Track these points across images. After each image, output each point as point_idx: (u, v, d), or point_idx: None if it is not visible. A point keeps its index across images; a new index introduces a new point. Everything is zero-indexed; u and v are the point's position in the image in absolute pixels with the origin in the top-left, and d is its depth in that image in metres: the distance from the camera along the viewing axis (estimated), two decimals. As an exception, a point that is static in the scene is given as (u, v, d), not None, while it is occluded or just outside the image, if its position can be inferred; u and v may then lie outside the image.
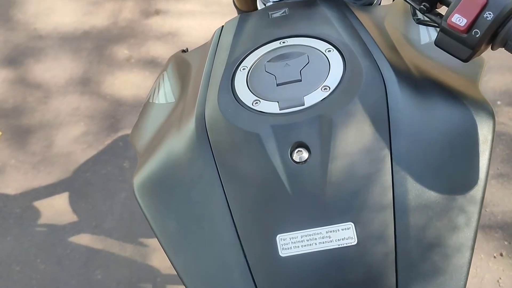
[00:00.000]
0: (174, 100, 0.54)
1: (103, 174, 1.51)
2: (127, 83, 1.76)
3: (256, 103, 0.44)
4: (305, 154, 0.40)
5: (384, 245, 0.37)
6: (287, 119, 0.41)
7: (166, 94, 0.57)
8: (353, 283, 0.36)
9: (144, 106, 0.59)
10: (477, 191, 0.39)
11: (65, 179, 1.52)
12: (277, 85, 0.45)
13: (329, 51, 0.47)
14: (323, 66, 0.45)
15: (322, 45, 0.48)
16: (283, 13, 0.55)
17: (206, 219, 0.41)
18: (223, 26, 0.59)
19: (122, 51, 1.87)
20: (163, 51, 1.84)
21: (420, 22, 0.48)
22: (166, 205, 0.43)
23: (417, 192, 0.38)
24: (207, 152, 0.42)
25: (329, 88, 0.43)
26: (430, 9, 0.45)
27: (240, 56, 0.49)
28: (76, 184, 1.49)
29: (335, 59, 0.45)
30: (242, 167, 0.41)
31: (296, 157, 0.40)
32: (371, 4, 0.64)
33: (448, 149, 0.40)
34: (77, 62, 1.85)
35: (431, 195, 0.38)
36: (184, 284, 0.41)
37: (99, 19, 1.98)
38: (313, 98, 0.43)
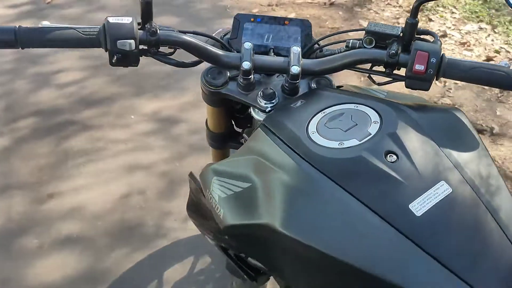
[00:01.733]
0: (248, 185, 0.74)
1: None
2: (50, 269, 1.77)
3: (341, 144, 0.67)
4: (394, 157, 0.64)
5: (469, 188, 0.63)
6: (371, 141, 0.66)
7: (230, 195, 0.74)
8: (466, 216, 0.66)
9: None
10: None
11: None
12: (345, 131, 0.70)
13: (356, 107, 0.74)
14: (362, 114, 0.72)
15: (351, 105, 0.75)
16: (301, 102, 0.80)
17: (355, 220, 0.63)
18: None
19: (31, 242, 1.87)
20: (72, 226, 1.92)
21: (379, 84, 0.86)
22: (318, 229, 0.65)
23: None
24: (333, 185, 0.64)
25: (378, 122, 0.70)
26: (391, 72, 0.83)
27: (304, 125, 0.72)
28: None
29: (365, 110, 0.73)
30: (363, 179, 0.64)
31: (389, 159, 0.63)
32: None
33: None
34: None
35: None
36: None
37: (-10, 221, 1.95)
38: (372, 130, 0.68)
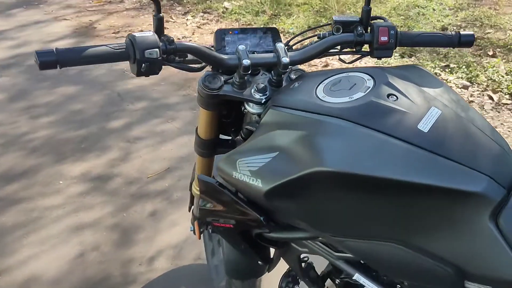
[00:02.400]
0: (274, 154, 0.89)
1: None
2: None
3: (350, 98, 0.84)
4: (394, 97, 0.83)
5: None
6: (373, 91, 0.85)
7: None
8: (457, 126, 0.81)
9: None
10: None
11: None
12: (349, 90, 0.87)
13: (348, 74, 0.91)
14: (356, 78, 0.90)
15: (343, 74, 0.92)
16: (298, 83, 0.95)
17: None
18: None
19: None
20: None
21: (349, 62, 1.07)
22: None
23: None
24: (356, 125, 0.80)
25: (372, 79, 0.88)
26: (360, 50, 1.06)
27: (312, 94, 0.89)
28: None
29: (357, 75, 0.91)
30: (379, 115, 0.81)
31: (391, 99, 0.83)
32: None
33: None
34: None
35: None
36: None
37: None
38: (370, 84, 0.86)
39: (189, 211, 1.72)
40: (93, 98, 3.40)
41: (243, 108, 1.08)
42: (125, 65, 4.10)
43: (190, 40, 4.42)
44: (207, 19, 5.06)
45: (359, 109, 0.83)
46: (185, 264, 1.94)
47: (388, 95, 0.84)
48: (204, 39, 4.47)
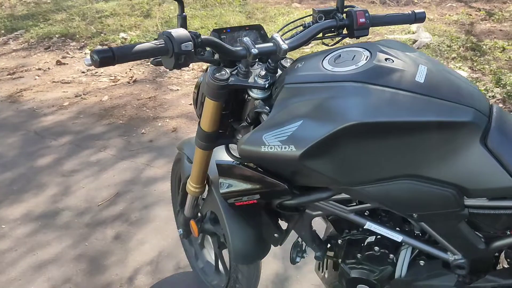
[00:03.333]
0: None
1: None
2: None
3: (356, 65, 1.01)
4: (391, 60, 1.00)
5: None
6: (373, 57, 1.02)
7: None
8: (442, 75, 1.02)
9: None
10: None
11: None
12: (352, 60, 1.04)
13: (345, 49, 1.09)
14: (354, 51, 1.07)
15: (341, 50, 1.08)
16: (300, 63, 1.12)
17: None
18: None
19: None
20: None
21: (332, 45, 1.27)
22: None
23: None
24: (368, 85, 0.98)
25: (368, 50, 1.06)
26: (341, 33, 1.27)
27: (320, 68, 1.06)
28: None
29: (353, 49, 1.11)
30: (384, 75, 0.99)
31: (389, 62, 1.01)
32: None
33: None
34: None
35: None
36: None
37: None
38: (367, 54, 1.04)
39: (176, 215, 1.77)
40: (7, 140, 3.21)
41: (246, 96, 1.22)
42: (35, 103, 3.93)
43: (101, 73, 4.36)
44: (107, 51, 5.01)
45: (368, 72, 1.01)
46: (168, 276, 1.96)
47: (386, 59, 1.04)
48: (111, 70, 4.44)
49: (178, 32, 0.99)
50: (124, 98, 3.80)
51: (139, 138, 3.14)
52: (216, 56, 1.15)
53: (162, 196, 2.48)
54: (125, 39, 5.19)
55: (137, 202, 2.45)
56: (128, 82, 4.11)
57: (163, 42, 0.97)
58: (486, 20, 5.07)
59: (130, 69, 4.41)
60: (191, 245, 1.90)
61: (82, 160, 2.91)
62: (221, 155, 1.46)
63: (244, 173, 1.17)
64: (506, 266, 1.19)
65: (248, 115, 1.21)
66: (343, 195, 1.14)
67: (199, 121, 1.28)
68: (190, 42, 0.99)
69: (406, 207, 1.07)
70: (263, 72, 1.15)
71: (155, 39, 0.98)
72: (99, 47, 5.12)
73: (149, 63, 4.53)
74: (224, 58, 1.14)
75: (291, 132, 1.03)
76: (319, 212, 1.22)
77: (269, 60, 1.18)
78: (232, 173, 1.19)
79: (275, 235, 1.33)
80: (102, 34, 5.39)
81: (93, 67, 0.93)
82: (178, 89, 3.90)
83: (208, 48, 1.09)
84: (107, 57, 0.89)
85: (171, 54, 0.98)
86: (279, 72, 1.19)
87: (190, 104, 3.56)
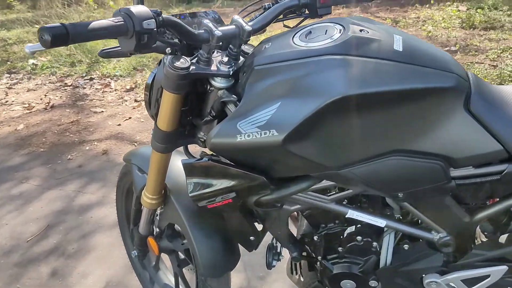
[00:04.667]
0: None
1: None
2: None
3: (331, 38, 0.95)
4: (365, 31, 0.96)
5: None
6: (348, 30, 0.96)
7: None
8: (417, 43, 0.98)
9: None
10: None
11: None
12: (325, 34, 0.97)
13: (313, 26, 0.99)
14: (325, 26, 1.01)
15: (310, 27, 1.02)
16: (267, 44, 1.02)
17: None
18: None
19: None
20: None
21: (294, 27, 1.20)
22: None
23: None
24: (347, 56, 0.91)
25: (339, 24, 0.98)
26: (304, 12, 1.21)
27: (291, 45, 0.97)
28: None
29: (323, 24, 1.01)
30: (362, 45, 0.93)
31: (364, 32, 0.95)
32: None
33: None
34: None
35: None
36: None
37: None
38: (339, 27, 0.97)
39: (127, 237, 1.60)
40: None
41: (208, 87, 1.11)
42: None
43: (12, 102, 3.99)
44: (16, 79, 4.63)
45: (346, 44, 0.94)
46: (120, 306, 1.76)
47: (361, 30, 0.98)
48: (23, 98, 4.08)
49: (138, 8, 0.86)
50: (42, 125, 3.49)
51: (66, 164, 2.87)
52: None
53: (100, 223, 2.26)
54: (36, 65, 4.83)
55: (73, 232, 2.20)
56: (45, 108, 3.79)
57: (122, 20, 0.85)
58: (394, 26, 5.40)
59: (46, 95, 4.09)
60: (145, 268, 1.72)
61: (2, 194, 2.59)
62: (175, 161, 1.33)
63: (217, 169, 1.06)
64: (484, 239, 1.18)
65: (212, 107, 1.08)
66: (323, 183, 1.07)
67: (156, 121, 1.15)
68: (153, 20, 0.87)
69: (393, 186, 1.02)
70: (225, 59, 1.05)
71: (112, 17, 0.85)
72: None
73: (66, 88, 4.24)
74: (185, 42, 1.02)
75: (270, 115, 0.93)
76: (297, 206, 1.13)
77: (230, 46, 1.07)
78: (203, 172, 1.07)
79: (251, 238, 1.22)
80: (8, 62, 4.98)
81: (36, 54, 0.77)
82: (102, 111, 3.65)
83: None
84: (60, 35, 0.75)
85: (132, 33, 0.85)
86: (242, 59, 1.10)
87: (119, 125, 3.35)
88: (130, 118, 3.46)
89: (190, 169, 1.08)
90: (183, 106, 1.12)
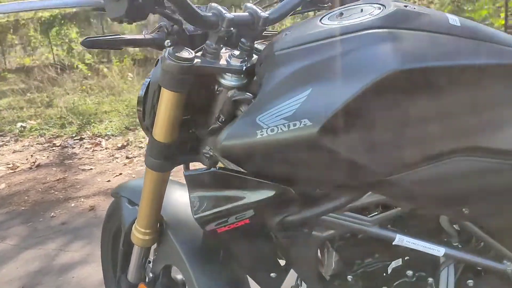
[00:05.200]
0: None
1: None
2: None
3: (370, 14, 0.77)
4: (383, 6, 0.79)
5: None
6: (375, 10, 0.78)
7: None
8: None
9: None
10: None
11: None
12: (361, 12, 0.80)
13: (341, 9, 0.82)
14: (352, 9, 0.81)
15: (339, 10, 0.82)
16: (286, 33, 0.85)
17: None
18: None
19: None
20: None
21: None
22: None
23: None
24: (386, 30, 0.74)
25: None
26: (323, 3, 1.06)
27: (321, 27, 0.79)
28: None
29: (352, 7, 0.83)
30: (400, 20, 0.75)
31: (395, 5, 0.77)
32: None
33: None
34: None
35: None
36: None
37: None
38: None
39: (117, 283, 1.33)
40: None
41: (216, 88, 0.91)
42: None
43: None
44: (3, 141, 4.44)
45: (392, 16, 0.76)
46: None
47: (405, 6, 0.79)
48: (8, 159, 3.87)
49: None
50: (25, 183, 3.24)
51: (48, 222, 2.60)
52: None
53: (83, 283, 1.96)
54: (24, 127, 4.67)
55: (51, 294, 1.91)
56: (30, 168, 3.57)
57: None
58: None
59: (32, 155, 3.88)
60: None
61: (-28, 256, 2.29)
62: (172, 191, 1.11)
63: (229, 180, 0.83)
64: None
65: (221, 111, 0.86)
66: (362, 201, 0.83)
67: (151, 133, 0.93)
68: None
69: (458, 198, 0.79)
70: (237, 52, 0.86)
71: None
72: None
73: (54, 148, 4.05)
74: (189, 23, 0.83)
75: (298, 104, 0.72)
76: (330, 232, 0.88)
77: (241, 39, 0.89)
78: (211, 184, 0.84)
79: (271, 275, 0.95)
80: (-5, 127, 4.83)
81: None
82: (91, 168, 3.43)
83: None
84: None
85: None
86: (255, 57, 0.91)
87: (108, 181, 3.12)
88: (120, 174, 3.23)
89: (194, 182, 0.85)
90: (184, 115, 0.92)
